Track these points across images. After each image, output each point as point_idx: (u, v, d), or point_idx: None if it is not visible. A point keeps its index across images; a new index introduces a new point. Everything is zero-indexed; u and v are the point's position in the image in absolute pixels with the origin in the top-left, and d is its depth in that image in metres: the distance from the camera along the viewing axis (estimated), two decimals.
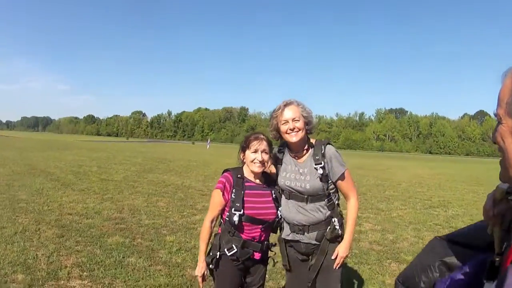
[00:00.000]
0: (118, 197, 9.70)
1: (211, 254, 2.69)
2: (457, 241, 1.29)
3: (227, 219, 2.62)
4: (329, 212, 2.68)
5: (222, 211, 2.70)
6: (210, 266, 2.68)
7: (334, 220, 2.68)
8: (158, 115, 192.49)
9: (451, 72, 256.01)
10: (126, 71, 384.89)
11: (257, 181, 2.75)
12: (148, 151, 36.19)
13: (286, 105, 2.68)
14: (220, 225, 2.78)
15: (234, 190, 2.64)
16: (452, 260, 1.22)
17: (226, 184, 2.66)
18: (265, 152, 2.66)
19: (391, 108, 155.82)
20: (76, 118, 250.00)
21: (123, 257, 5.14)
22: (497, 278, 0.90)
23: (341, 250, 2.68)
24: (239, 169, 2.76)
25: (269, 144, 2.70)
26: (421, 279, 1.25)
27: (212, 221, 2.70)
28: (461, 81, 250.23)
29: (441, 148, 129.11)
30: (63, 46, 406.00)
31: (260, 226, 2.66)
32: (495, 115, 0.92)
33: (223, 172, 2.78)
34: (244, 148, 2.72)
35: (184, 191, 11.34)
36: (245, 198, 2.62)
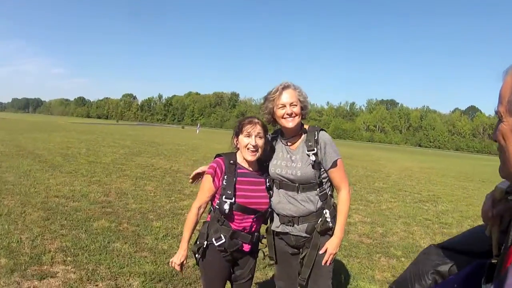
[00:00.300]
0: (106, 180, 9.57)
1: (198, 243, 2.56)
2: (452, 249, 1.28)
3: (217, 207, 2.47)
4: (321, 203, 2.57)
5: (212, 198, 2.56)
6: (196, 255, 2.55)
7: (326, 212, 2.57)
8: (148, 98, 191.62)
9: (444, 66, 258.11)
10: (119, 55, 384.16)
11: (251, 168, 2.60)
12: (137, 134, 35.89)
13: (284, 88, 2.54)
14: (209, 212, 2.63)
15: (225, 176, 2.48)
16: (446, 268, 1.21)
17: (217, 169, 2.50)
18: (259, 137, 2.49)
19: (382, 99, 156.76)
20: (66, 100, 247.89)
21: (108, 242, 5.05)
22: (494, 280, 0.87)
23: (330, 247, 2.55)
24: (232, 155, 2.60)
25: (264, 128, 2.54)
26: (414, 287, 1.25)
27: (199, 208, 2.54)
28: (454, 76, 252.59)
29: (430, 142, 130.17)
30: (61, 31, 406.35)
31: (252, 216, 2.52)
32: (496, 112, 0.89)
33: (215, 157, 2.61)
34: (237, 132, 2.55)
35: (173, 176, 11.25)
36: (237, 186, 2.47)
